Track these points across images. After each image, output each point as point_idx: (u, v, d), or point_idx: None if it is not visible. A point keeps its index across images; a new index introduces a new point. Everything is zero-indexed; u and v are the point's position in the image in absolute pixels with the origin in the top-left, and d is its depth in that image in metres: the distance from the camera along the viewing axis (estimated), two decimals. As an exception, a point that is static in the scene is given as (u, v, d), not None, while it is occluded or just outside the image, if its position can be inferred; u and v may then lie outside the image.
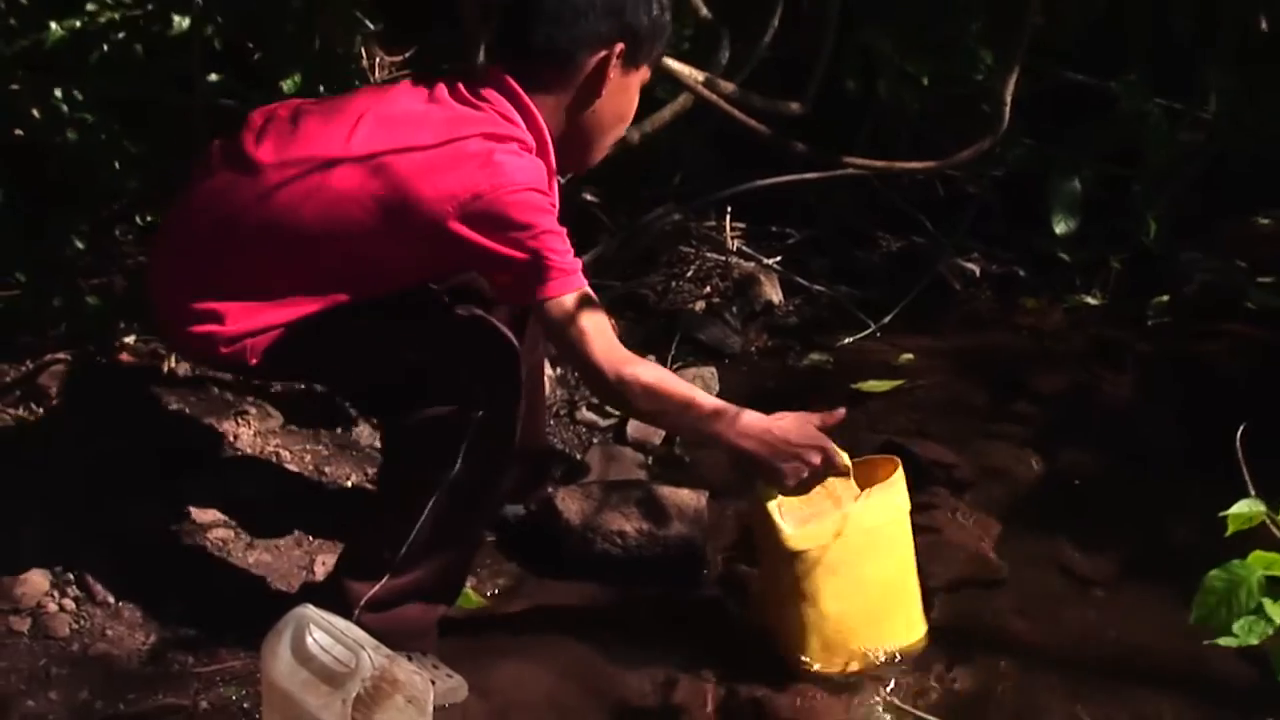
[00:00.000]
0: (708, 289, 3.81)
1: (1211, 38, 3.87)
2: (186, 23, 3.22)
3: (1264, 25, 3.78)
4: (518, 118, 2.29)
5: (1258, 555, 1.50)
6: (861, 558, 2.43)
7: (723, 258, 3.87)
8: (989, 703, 2.60)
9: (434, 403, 2.38)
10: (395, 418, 2.50)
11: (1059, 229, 3.74)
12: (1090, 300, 3.81)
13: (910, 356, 3.59)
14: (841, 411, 2.44)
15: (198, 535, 2.96)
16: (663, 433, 3.38)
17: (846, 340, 3.64)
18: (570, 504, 2.92)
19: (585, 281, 2.33)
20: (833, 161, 3.48)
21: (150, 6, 3.28)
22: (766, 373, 3.63)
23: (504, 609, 2.80)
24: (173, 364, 3.41)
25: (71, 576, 2.73)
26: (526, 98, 2.25)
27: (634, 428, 3.39)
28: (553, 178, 2.35)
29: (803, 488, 2.37)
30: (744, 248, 3.91)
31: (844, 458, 2.37)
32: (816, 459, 2.30)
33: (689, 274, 3.83)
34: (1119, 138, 3.78)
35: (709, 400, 2.40)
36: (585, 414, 3.42)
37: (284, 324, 2.36)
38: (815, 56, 3.52)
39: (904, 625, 2.56)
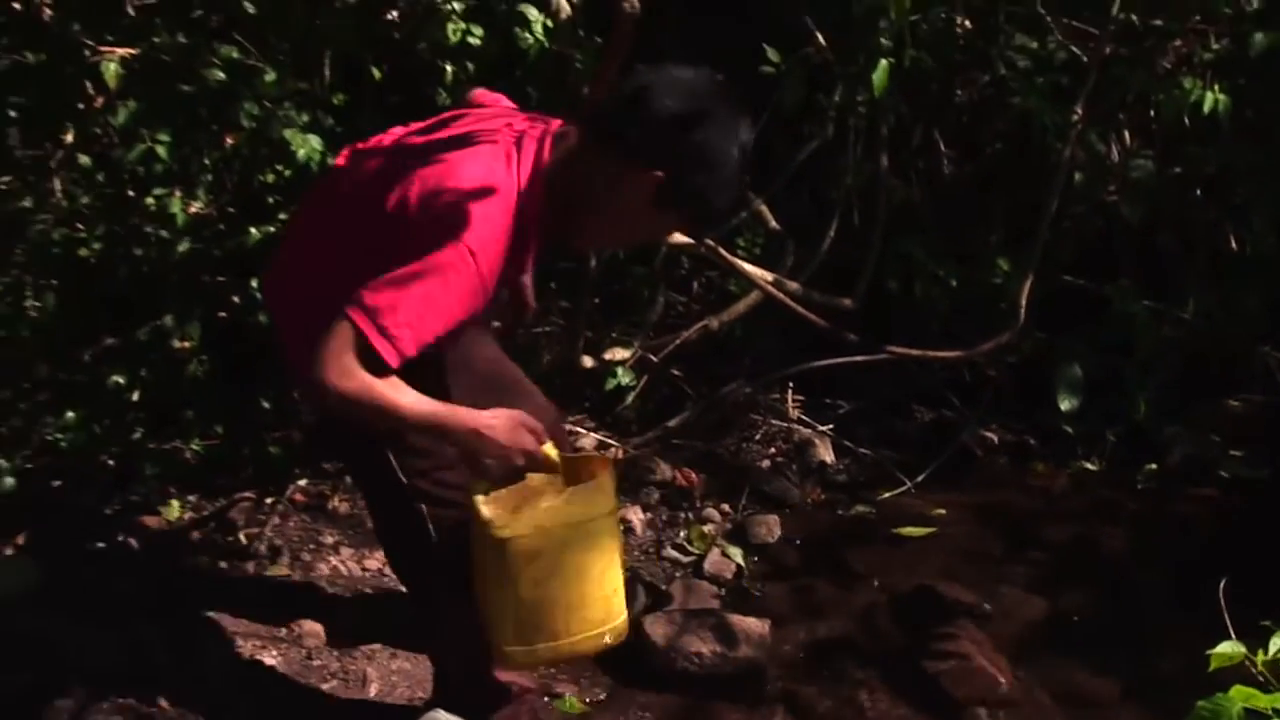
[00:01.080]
0: (772, 450, 3.86)
1: (1191, 254, 3.96)
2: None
3: (1234, 245, 3.85)
4: (520, 163, 2.20)
5: (1238, 690, 1.50)
6: (562, 549, 2.36)
7: (785, 424, 3.92)
8: None
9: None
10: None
11: (1064, 406, 3.81)
12: (1090, 466, 3.86)
13: (940, 510, 3.65)
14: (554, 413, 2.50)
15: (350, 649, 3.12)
16: (734, 568, 3.44)
17: (886, 495, 3.72)
18: (656, 628, 3.07)
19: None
20: (877, 348, 3.55)
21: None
22: (820, 520, 3.68)
23: (600, 716, 2.94)
24: (335, 503, 3.58)
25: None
26: (549, 151, 2.18)
27: (710, 564, 3.44)
28: (531, 223, 2.18)
29: (507, 480, 2.33)
30: (803, 416, 3.96)
31: (551, 455, 2.34)
32: (519, 458, 2.27)
33: (756, 437, 3.88)
34: (1113, 333, 3.86)
35: (423, 404, 2.24)
36: (669, 552, 3.50)
37: None
38: (863, 262, 3.71)
39: (602, 615, 2.47)
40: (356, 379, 2.09)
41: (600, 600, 2.46)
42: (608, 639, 2.46)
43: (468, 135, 2.29)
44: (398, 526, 2.54)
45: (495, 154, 2.21)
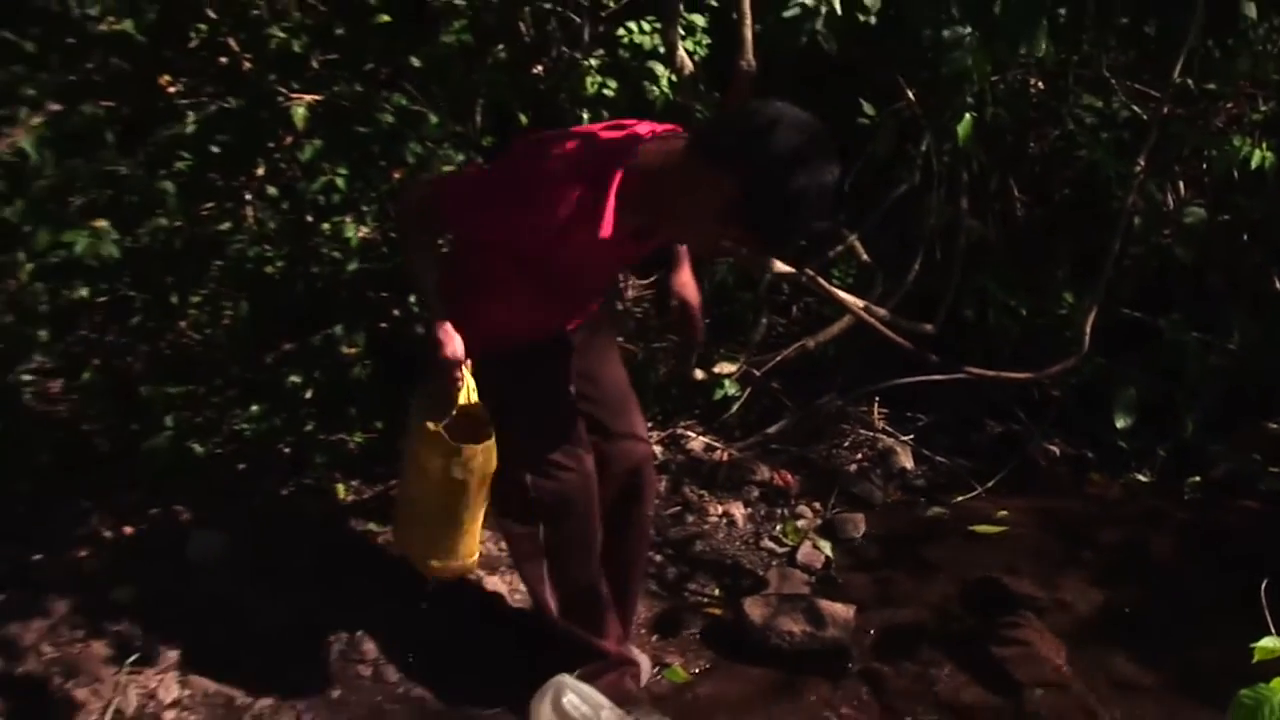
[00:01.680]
0: (859, 456, 3.93)
1: (1236, 292, 4.01)
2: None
3: (1276, 285, 3.93)
4: (603, 160, 2.28)
5: (1279, 681, 1.51)
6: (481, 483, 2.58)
7: (870, 434, 3.98)
8: None
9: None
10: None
11: (1119, 424, 3.88)
12: (1141, 478, 3.92)
13: (1005, 513, 3.72)
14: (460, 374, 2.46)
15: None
16: (823, 559, 3.56)
17: (959, 498, 3.80)
18: (754, 609, 3.20)
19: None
20: (955, 368, 3.62)
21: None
22: (900, 519, 3.76)
23: (702, 685, 3.10)
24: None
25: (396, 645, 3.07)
26: (647, 144, 2.26)
27: (802, 555, 3.56)
28: (600, 200, 2.23)
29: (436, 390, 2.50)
30: (886, 427, 4.02)
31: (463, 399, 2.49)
32: (445, 379, 2.43)
33: (845, 444, 3.96)
34: (1165, 360, 3.92)
35: (432, 288, 2.46)
36: (766, 543, 3.61)
37: None
38: (943, 293, 3.74)
39: (475, 546, 2.73)
40: (422, 237, 2.49)
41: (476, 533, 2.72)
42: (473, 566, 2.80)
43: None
44: (507, 483, 2.66)
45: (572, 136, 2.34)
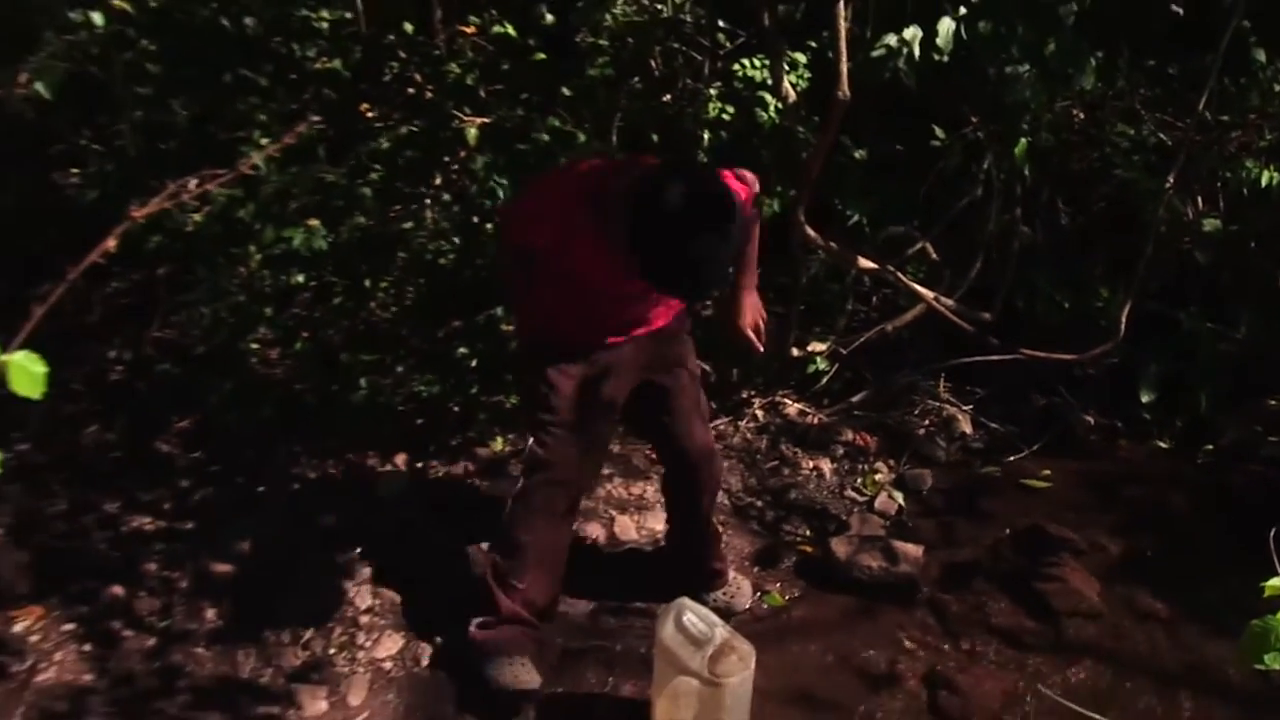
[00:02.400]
0: (926, 422, 4.05)
1: (1244, 289, 4.05)
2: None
3: (1278, 283, 3.93)
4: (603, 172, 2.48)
5: None
6: None
7: (937, 404, 4.09)
8: (1092, 687, 3.01)
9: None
10: None
11: (1144, 399, 3.96)
12: (1162, 445, 3.98)
13: (1048, 472, 3.82)
14: None
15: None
16: (896, 507, 3.67)
17: (1010, 459, 3.89)
18: (839, 547, 3.38)
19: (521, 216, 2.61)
20: (1010, 350, 3.66)
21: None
22: (960, 475, 3.87)
23: (796, 609, 3.32)
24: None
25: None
26: (625, 183, 2.38)
27: (879, 503, 3.70)
28: (592, 218, 2.42)
29: None
30: (950, 398, 4.12)
31: None
32: None
33: (916, 412, 4.07)
34: (1183, 346, 3.97)
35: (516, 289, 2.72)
36: (849, 493, 3.76)
37: None
38: (999, 287, 3.78)
39: None
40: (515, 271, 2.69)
41: None
42: None
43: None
44: None
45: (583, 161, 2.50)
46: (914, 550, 3.37)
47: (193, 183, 1.33)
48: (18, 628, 3.23)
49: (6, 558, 3.45)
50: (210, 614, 3.26)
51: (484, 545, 3.10)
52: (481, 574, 2.96)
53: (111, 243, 1.33)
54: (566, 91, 3.64)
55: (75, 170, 3.97)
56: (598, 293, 2.61)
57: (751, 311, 2.95)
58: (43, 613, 3.28)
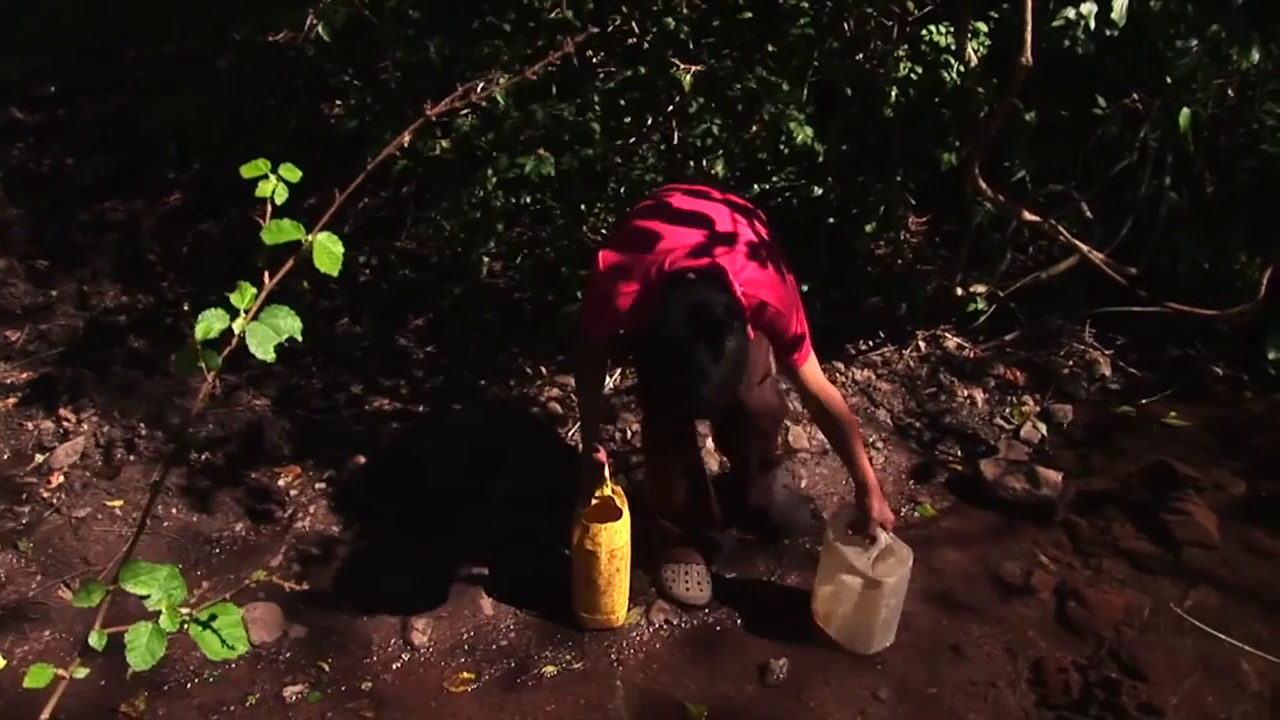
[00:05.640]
0: (1071, 363, 4.11)
1: None
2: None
3: None
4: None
5: None
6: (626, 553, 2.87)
7: (1081, 347, 4.16)
8: (1206, 608, 3.08)
9: None
10: None
11: (1270, 355, 3.97)
12: None
13: (1176, 415, 3.90)
14: None
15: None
16: (1040, 436, 3.75)
17: (1143, 401, 3.96)
18: (987, 468, 3.49)
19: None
20: (1155, 302, 3.66)
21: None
22: (1098, 413, 3.92)
23: (945, 520, 3.47)
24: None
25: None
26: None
27: (1024, 432, 3.81)
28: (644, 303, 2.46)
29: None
30: (1093, 343, 4.17)
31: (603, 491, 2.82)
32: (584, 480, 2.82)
33: (1061, 353, 4.13)
34: None
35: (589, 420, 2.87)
36: (998, 421, 3.85)
37: None
38: (1145, 246, 3.85)
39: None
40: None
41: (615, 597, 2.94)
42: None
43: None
44: None
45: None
46: (1054, 476, 3.44)
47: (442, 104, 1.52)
48: (280, 482, 3.61)
49: (272, 424, 3.79)
50: (435, 486, 3.58)
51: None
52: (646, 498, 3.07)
53: (406, 138, 1.49)
54: (770, 47, 3.75)
55: (339, 102, 4.18)
56: None
57: (875, 500, 2.84)
58: (299, 471, 3.63)
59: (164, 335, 4.14)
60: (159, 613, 1.16)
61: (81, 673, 1.18)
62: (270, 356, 1.17)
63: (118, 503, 3.44)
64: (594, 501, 2.78)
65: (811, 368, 2.61)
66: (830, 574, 2.82)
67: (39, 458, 3.55)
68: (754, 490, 3.21)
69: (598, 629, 2.96)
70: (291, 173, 1.27)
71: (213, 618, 1.20)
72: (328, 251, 1.30)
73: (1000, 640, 2.99)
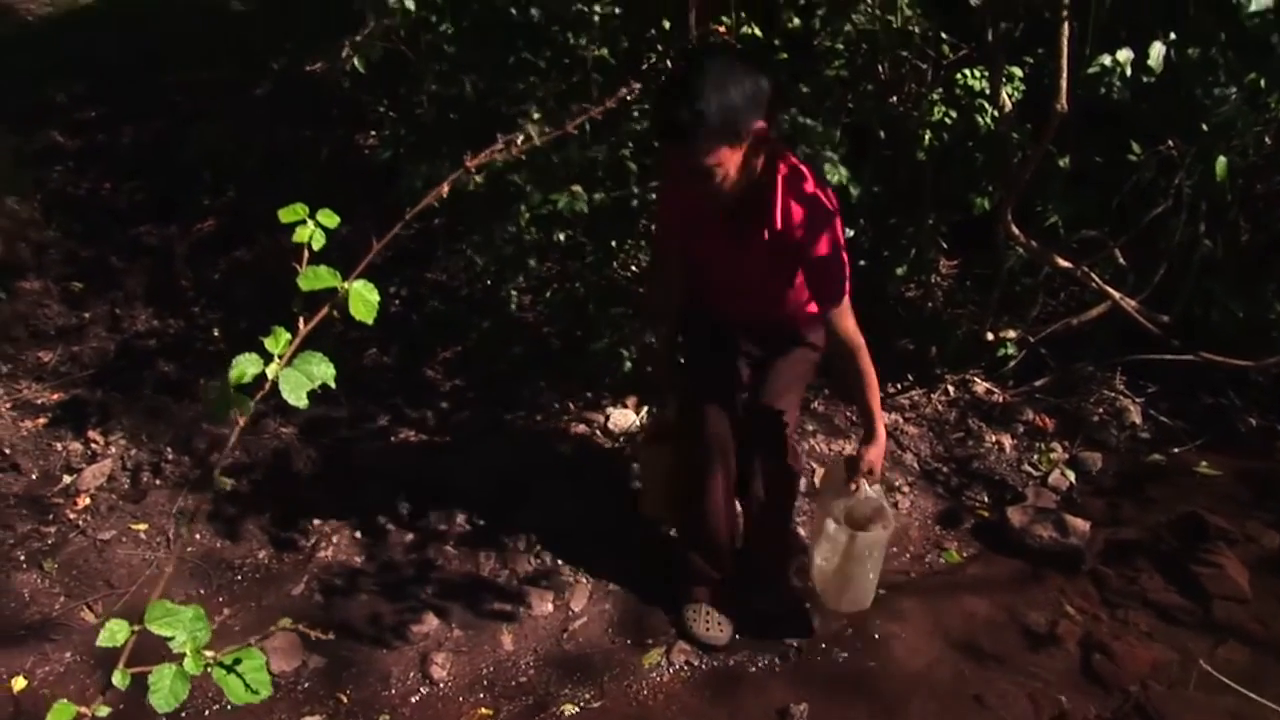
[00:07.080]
0: (1101, 409, 4.08)
1: None
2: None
3: None
4: None
5: None
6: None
7: (1112, 394, 4.12)
8: (1236, 664, 3.07)
9: None
10: None
11: None
12: None
13: (1208, 465, 3.86)
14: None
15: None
16: (1068, 484, 3.73)
17: (1175, 450, 3.93)
18: (1014, 515, 3.47)
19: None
20: (1188, 350, 3.66)
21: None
22: (1128, 461, 3.89)
23: (970, 566, 3.46)
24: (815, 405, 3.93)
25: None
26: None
27: (1053, 479, 3.77)
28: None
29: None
30: (1124, 390, 4.13)
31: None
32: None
33: (1091, 400, 4.10)
34: None
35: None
36: (1026, 467, 3.83)
37: None
38: (1179, 293, 3.85)
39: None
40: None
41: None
42: None
43: None
44: None
45: None
46: (1082, 525, 3.42)
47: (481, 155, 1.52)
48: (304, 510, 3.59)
49: (299, 453, 3.82)
50: (460, 519, 3.56)
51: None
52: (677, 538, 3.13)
53: (445, 188, 1.48)
54: (804, 88, 3.74)
55: (374, 133, 4.21)
56: (708, 268, 2.85)
57: (876, 450, 2.79)
58: (324, 500, 3.64)
59: (194, 360, 4.18)
60: (183, 654, 1.16)
61: (104, 711, 1.18)
62: (304, 403, 1.18)
63: (142, 526, 3.46)
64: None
65: (848, 310, 2.65)
66: (818, 525, 2.86)
67: (66, 479, 3.55)
68: (760, 586, 3.22)
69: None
70: (330, 218, 1.28)
71: (237, 661, 1.18)
72: (363, 299, 1.30)
73: (1023, 691, 2.96)
